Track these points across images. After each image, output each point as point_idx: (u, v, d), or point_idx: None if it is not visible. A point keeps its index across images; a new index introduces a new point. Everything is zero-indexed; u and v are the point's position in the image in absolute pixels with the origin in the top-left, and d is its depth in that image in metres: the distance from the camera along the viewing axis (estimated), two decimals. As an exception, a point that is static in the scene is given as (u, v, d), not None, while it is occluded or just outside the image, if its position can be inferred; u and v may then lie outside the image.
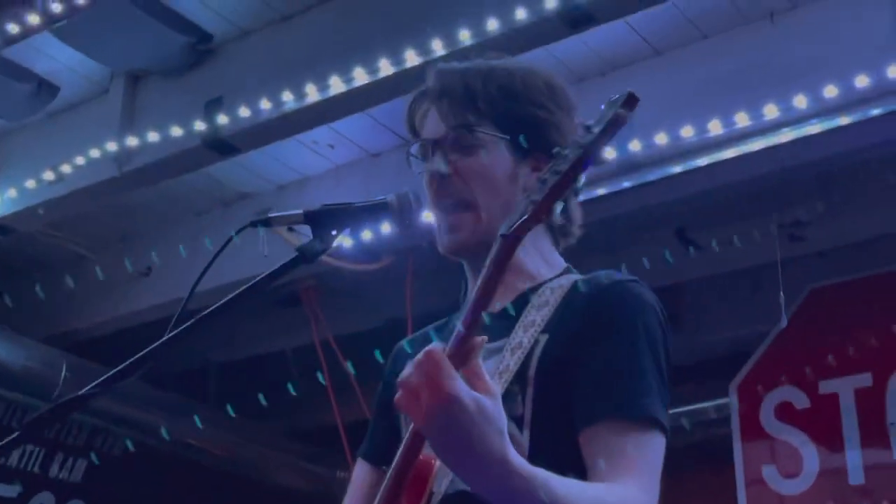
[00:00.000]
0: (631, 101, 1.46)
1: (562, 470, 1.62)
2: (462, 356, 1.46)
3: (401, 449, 1.58)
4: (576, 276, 1.87)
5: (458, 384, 1.42)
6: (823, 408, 4.46)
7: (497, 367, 1.73)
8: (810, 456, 4.46)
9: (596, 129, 1.46)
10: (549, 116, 1.87)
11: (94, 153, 4.31)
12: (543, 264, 1.89)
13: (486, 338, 1.49)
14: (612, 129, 1.46)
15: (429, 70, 1.94)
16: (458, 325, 1.49)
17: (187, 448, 5.46)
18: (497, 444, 1.43)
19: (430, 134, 1.90)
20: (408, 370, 1.46)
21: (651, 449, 1.68)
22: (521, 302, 1.83)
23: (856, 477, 4.33)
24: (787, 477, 4.50)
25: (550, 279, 1.86)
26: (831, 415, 4.43)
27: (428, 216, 1.94)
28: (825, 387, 4.49)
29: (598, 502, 1.56)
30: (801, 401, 4.54)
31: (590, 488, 1.60)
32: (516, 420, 1.70)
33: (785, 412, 4.56)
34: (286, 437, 5.89)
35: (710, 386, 4.93)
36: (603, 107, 1.49)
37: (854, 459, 4.34)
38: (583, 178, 1.49)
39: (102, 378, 1.70)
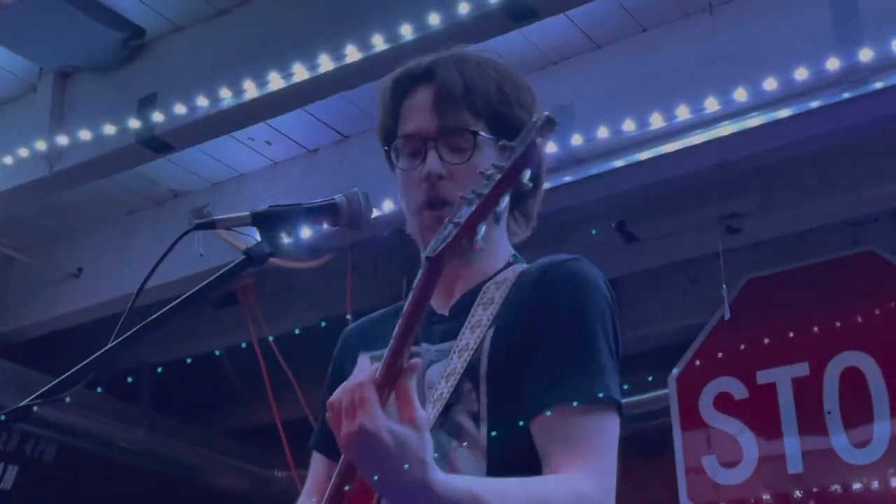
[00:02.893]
0: (547, 127, 1.46)
1: (522, 461, 1.63)
2: (391, 379, 1.46)
3: (339, 465, 1.57)
4: (521, 266, 1.86)
5: (377, 419, 1.42)
6: (762, 398, 4.50)
7: (444, 370, 1.72)
8: (749, 445, 4.50)
9: (515, 155, 1.46)
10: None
11: (23, 152, 4.20)
12: (489, 258, 1.86)
13: (418, 361, 1.50)
14: (528, 155, 1.45)
15: (419, 56, 1.90)
16: (387, 349, 1.49)
17: (122, 452, 5.37)
18: (418, 475, 1.43)
19: (421, 128, 1.84)
20: (337, 393, 1.47)
21: (603, 431, 1.67)
22: (468, 301, 1.81)
23: (794, 465, 4.38)
24: (726, 466, 4.53)
25: (495, 274, 1.84)
26: (770, 404, 4.48)
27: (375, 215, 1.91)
28: (763, 377, 4.53)
29: (542, 500, 1.55)
30: (739, 391, 4.57)
31: (534, 488, 1.58)
32: (473, 416, 1.69)
33: (724, 402, 4.59)
34: (223, 438, 5.82)
35: (650, 378, 4.96)
36: (525, 127, 1.48)
37: (792, 448, 4.39)
38: (504, 202, 1.47)
39: (47, 387, 1.66)
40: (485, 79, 1.84)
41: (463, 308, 1.81)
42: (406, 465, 1.42)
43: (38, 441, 5.47)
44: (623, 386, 1.72)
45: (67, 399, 1.64)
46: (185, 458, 5.64)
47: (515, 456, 1.66)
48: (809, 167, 4.12)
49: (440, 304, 1.86)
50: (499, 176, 1.45)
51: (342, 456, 1.54)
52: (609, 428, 1.68)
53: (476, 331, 1.74)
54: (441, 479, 1.46)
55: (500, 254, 1.89)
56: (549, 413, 1.65)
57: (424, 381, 1.75)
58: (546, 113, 1.47)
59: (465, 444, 1.69)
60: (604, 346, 1.71)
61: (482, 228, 1.46)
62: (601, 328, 1.72)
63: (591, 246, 4.41)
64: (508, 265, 1.87)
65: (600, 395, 1.66)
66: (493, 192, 1.45)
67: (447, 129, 1.82)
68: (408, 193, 1.86)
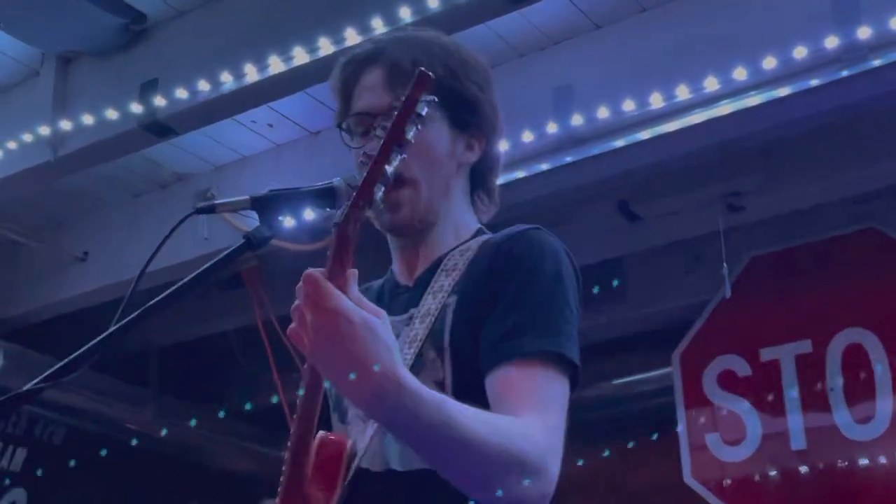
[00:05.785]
0: (421, 82, 1.45)
1: None
2: (339, 285, 1.44)
3: (299, 402, 1.56)
4: (485, 237, 1.87)
5: (342, 299, 1.40)
6: (765, 375, 4.52)
7: (406, 337, 1.74)
8: (753, 423, 4.52)
9: (394, 114, 1.45)
10: (482, 95, 1.90)
11: (27, 137, 4.22)
12: (453, 233, 1.89)
13: (354, 270, 1.46)
14: (406, 111, 1.45)
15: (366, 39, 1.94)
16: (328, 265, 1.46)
17: (130, 434, 5.40)
18: (386, 359, 1.41)
19: (369, 106, 1.86)
20: (295, 304, 1.45)
21: (554, 386, 1.66)
22: (432, 270, 1.84)
23: (798, 442, 4.40)
24: (730, 444, 4.56)
25: (460, 244, 1.87)
26: (773, 381, 4.50)
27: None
28: (766, 354, 4.55)
29: (497, 429, 1.54)
30: (742, 368, 4.59)
31: (491, 416, 1.58)
32: (438, 384, 1.70)
33: (727, 380, 4.61)
34: (231, 420, 5.85)
35: (654, 356, 4.98)
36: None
37: (796, 425, 4.41)
38: (397, 158, 1.46)
39: (51, 370, 1.67)
40: (431, 55, 1.85)
41: (427, 278, 1.83)
42: (374, 349, 1.40)
43: (46, 423, 5.51)
44: (576, 345, 1.70)
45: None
46: (192, 439, 5.67)
47: None
48: (811, 145, 4.13)
49: (405, 277, 1.89)
50: (383, 136, 1.45)
51: (304, 384, 1.52)
52: (559, 387, 1.67)
53: (438, 296, 1.76)
54: (410, 375, 1.45)
55: (463, 228, 1.91)
56: (501, 367, 1.65)
57: None
58: (420, 69, 1.47)
59: None
60: (561, 308, 1.71)
61: (380, 190, 1.45)
62: (559, 291, 1.72)
63: (593, 226, 4.43)
64: (475, 235, 1.90)
65: (552, 351, 1.66)
66: (380, 152, 1.45)
67: (394, 103, 1.85)
68: (362, 171, 1.89)
